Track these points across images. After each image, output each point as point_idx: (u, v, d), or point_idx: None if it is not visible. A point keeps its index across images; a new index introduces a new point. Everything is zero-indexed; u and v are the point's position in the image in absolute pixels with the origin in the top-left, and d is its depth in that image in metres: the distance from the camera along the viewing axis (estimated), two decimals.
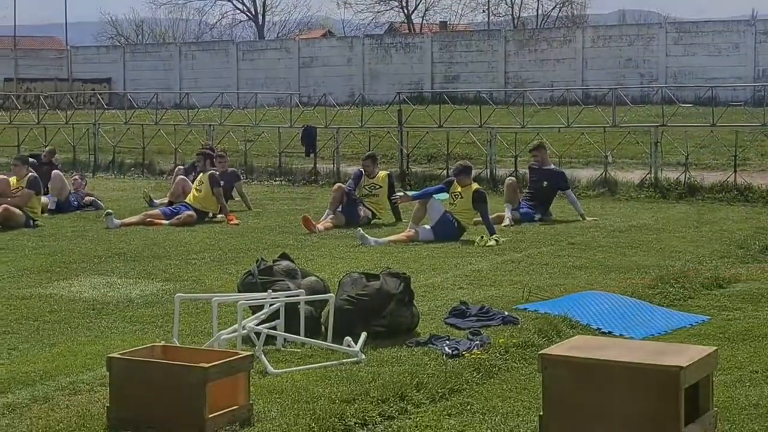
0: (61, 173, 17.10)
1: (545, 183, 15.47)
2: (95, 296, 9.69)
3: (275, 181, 22.01)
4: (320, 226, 14.09)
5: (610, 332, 8.38)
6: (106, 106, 33.41)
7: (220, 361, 5.91)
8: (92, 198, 17.24)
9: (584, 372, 5.41)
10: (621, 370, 5.34)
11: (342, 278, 8.54)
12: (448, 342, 7.72)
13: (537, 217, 15.11)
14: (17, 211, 14.50)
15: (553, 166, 16.12)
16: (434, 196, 13.86)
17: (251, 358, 6.22)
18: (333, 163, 22.08)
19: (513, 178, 16.42)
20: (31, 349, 7.68)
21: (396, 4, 68.89)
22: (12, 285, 10.23)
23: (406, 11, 68.67)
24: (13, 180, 15.13)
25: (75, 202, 16.82)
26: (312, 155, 22.48)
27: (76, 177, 18.09)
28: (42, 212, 15.58)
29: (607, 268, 11.13)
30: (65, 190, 16.71)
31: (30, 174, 15.12)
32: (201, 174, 15.76)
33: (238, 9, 74.95)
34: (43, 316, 8.78)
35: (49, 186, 16.54)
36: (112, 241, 13.31)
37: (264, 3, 73.83)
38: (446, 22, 65.54)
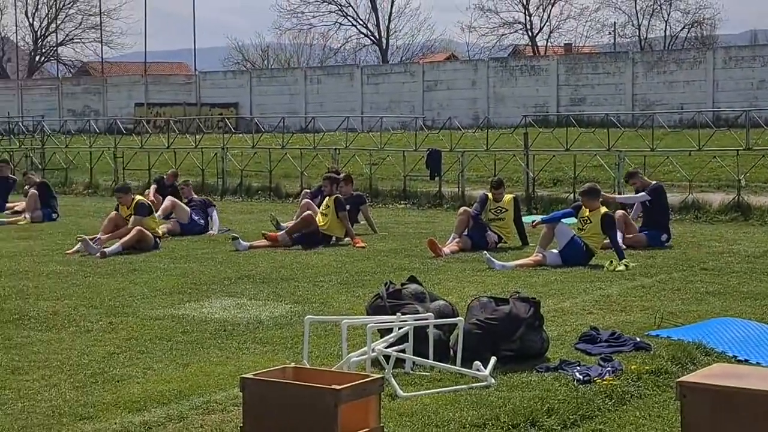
0: (172, 198, 17.35)
1: (648, 203, 15.25)
2: (226, 317, 9.82)
3: (400, 204, 22.06)
4: (446, 250, 14.05)
5: (746, 360, 8.14)
6: (233, 130, 33.98)
7: (351, 384, 5.90)
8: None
9: (725, 401, 5.26)
10: (765, 399, 5.17)
11: (470, 302, 8.49)
12: (578, 368, 7.60)
13: (664, 237, 14.83)
14: (148, 233, 14.83)
15: (652, 183, 15.74)
16: (562, 220, 13.71)
17: (382, 380, 6.21)
18: (458, 187, 22.03)
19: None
20: (165, 369, 7.80)
21: (520, 27, 68.79)
22: (145, 305, 10.43)
23: (530, 34, 68.51)
24: (123, 210, 15.44)
25: (201, 221, 17.09)
26: (437, 178, 22.49)
27: (183, 186, 18.33)
28: (172, 235, 15.94)
29: (742, 294, 10.85)
30: (183, 212, 16.97)
31: (136, 200, 15.38)
32: (327, 198, 15.88)
33: (363, 33, 75.69)
34: (176, 337, 8.93)
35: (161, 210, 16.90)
36: (241, 263, 13.49)
37: (388, 27, 74.42)
38: (571, 44, 65.16)
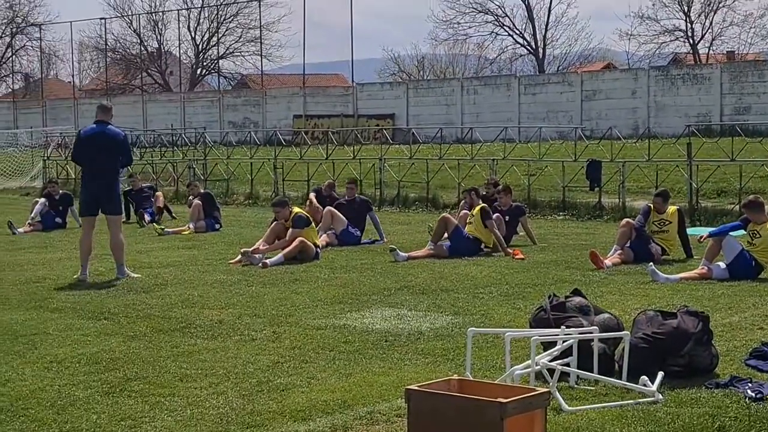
0: (330, 208, 17.46)
1: None
2: (387, 328, 9.84)
3: (558, 215, 21.84)
4: (608, 262, 13.82)
5: None
6: (390, 141, 34.19)
7: (517, 397, 5.83)
8: None
9: None
10: None
11: (636, 316, 8.31)
12: (750, 384, 7.35)
13: None
14: (310, 244, 15.01)
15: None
16: (730, 233, 13.30)
17: (548, 394, 6.12)
18: (618, 198, 21.69)
19: None
20: (328, 378, 7.86)
21: (681, 34, 67.38)
22: (307, 315, 10.54)
23: (691, 41, 67.02)
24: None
25: (357, 232, 17.20)
26: (596, 189, 22.18)
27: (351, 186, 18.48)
28: (328, 246, 16.13)
29: None
30: (340, 223, 17.09)
31: (294, 213, 15.54)
32: (472, 208, 15.90)
33: (519, 43, 75.29)
34: (338, 347, 8.98)
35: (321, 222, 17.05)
36: (400, 273, 13.52)
37: (545, 37, 73.87)
38: (734, 51, 63.53)
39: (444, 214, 16.79)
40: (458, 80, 55.17)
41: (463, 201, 18.02)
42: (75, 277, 13.39)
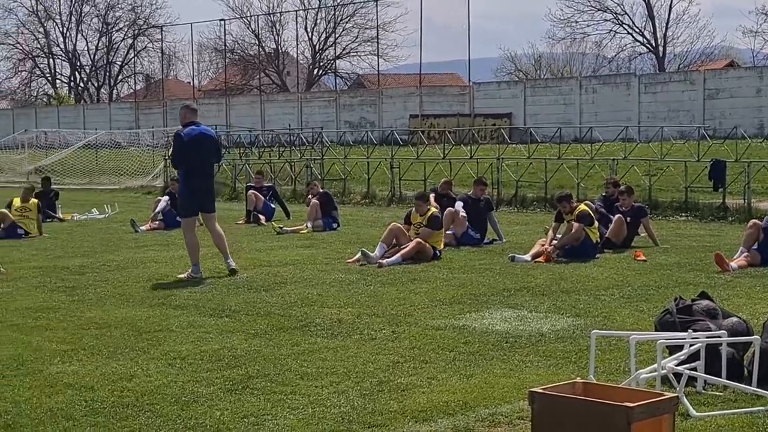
0: (452, 209, 17.27)
1: None
2: (507, 329, 9.73)
3: (681, 216, 21.39)
4: (734, 264, 13.47)
5: None
6: (508, 141, 33.96)
7: (644, 401, 5.69)
8: None
9: None
10: None
11: (766, 320, 8.06)
12: None
13: None
14: (428, 246, 14.96)
15: None
16: None
17: (676, 399, 5.96)
18: (743, 199, 21.15)
19: None
20: (449, 379, 7.79)
21: None
22: (426, 315, 10.49)
23: None
24: (415, 217, 15.58)
25: (477, 235, 17.05)
26: (721, 190, 21.68)
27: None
28: (446, 246, 16.02)
29: None
30: (460, 224, 16.95)
31: (431, 213, 15.48)
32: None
33: (638, 41, 74.22)
34: (458, 347, 8.91)
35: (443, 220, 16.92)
36: (519, 274, 13.38)
37: (665, 35, 72.68)
38: None
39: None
40: (576, 79, 54.61)
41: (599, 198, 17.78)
42: (182, 276, 13.55)
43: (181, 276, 13.50)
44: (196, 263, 13.63)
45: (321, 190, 21.13)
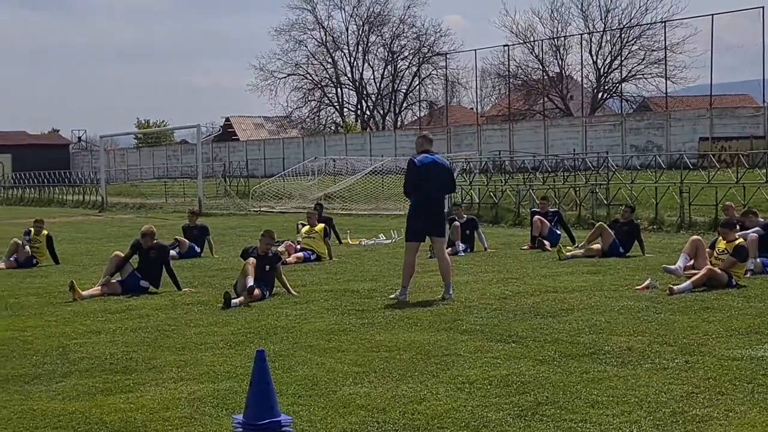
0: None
1: None
2: None
3: None
4: None
5: None
6: None
7: None
8: None
9: None
10: None
11: None
12: None
13: None
14: (722, 273, 14.45)
15: None
16: None
17: None
18: None
19: None
20: (747, 412, 7.44)
21: None
22: (721, 345, 10.08)
23: None
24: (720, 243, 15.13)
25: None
26: None
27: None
28: None
29: None
30: None
31: (738, 242, 14.91)
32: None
33: None
34: (757, 379, 8.50)
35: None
36: None
37: None
38: None
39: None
40: None
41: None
42: (392, 297, 13.98)
43: (391, 297, 13.99)
44: (405, 285, 14.07)
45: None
